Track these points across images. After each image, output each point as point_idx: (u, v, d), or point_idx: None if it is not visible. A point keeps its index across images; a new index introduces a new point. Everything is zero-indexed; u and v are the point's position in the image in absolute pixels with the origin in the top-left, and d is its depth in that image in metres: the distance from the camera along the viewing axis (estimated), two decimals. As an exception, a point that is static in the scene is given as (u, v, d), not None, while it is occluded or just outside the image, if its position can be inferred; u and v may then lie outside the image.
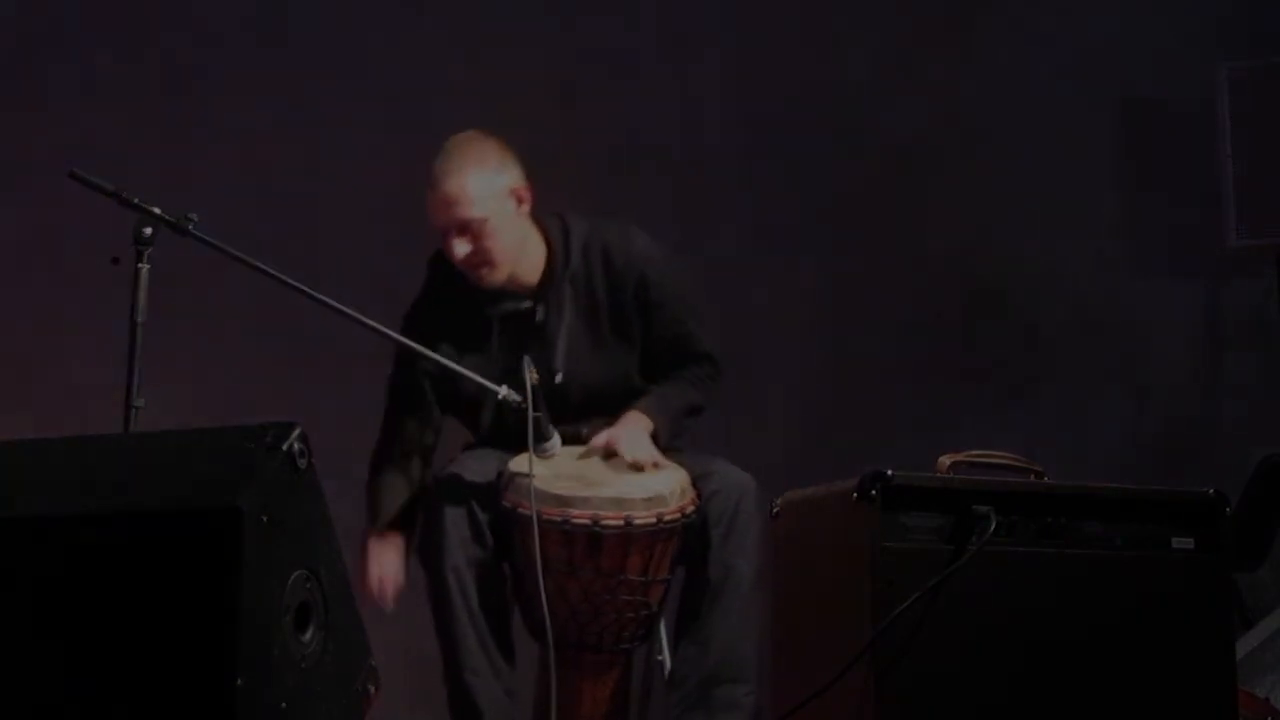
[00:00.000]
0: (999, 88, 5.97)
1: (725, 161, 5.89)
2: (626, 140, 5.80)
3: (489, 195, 4.07)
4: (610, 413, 4.17)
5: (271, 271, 3.86)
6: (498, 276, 4.12)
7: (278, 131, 5.80)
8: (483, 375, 4.05)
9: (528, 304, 4.17)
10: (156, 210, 3.82)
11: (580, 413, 4.15)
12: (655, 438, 4.13)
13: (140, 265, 3.80)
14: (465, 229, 4.07)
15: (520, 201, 4.13)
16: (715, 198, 5.84)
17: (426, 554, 4.01)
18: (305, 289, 3.87)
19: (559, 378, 4.11)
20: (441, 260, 4.18)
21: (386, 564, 4.13)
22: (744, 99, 5.94)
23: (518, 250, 4.14)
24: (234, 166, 5.71)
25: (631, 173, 5.74)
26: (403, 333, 4.15)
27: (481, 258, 4.09)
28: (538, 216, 4.20)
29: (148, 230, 3.80)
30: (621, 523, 3.94)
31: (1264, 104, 5.64)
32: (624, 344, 4.21)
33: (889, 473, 3.51)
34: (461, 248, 4.07)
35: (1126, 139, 5.98)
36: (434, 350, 4.06)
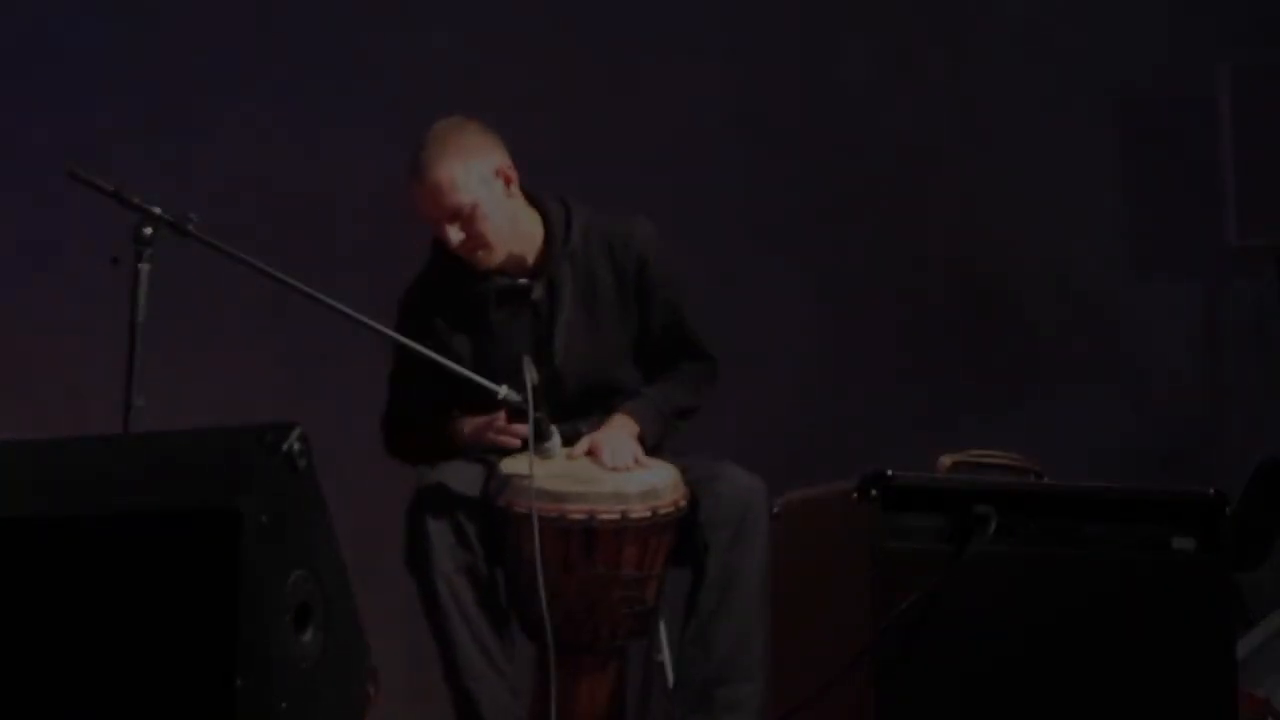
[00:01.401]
0: (999, 87, 5.97)
1: (725, 161, 5.89)
2: (626, 140, 5.79)
3: (476, 179, 4.06)
4: (603, 399, 4.16)
5: (271, 271, 3.86)
6: (495, 258, 4.11)
7: (278, 131, 5.80)
8: (478, 353, 4.09)
9: (524, 281, 4.16)
10: (156, 210, 3.81)
11: (575, 398, 4.14)
12: (642, 440, 4.13)
13: (140, 265, 3.80)
14: (456, 216, 4.06)
15: (508, 181, 4.12)
16: (715, 197, 5.84)
17: (414, 565, 4.00)
18: (305, 289, 3.86)
19: (558, 359, 4.11)
20: (442, 245, 4.17)
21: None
22: (744, 98, 5.94)
23: (511, 230, 4.13)
24: (234, 166, 5.71)
25: (631, 172, 5.73)
26: (399, 312, 4.17)
27: (476, 242, 4.08)
28: (536, 197, 4.19)
29: (148, 230, 3.80)
30: (617, 516, 3.94)
31: (1264, 103, 5.64)
32: (621, 329, 4.20)
33: (889, 473, 3.52)
34: (455, 234, 4.07)
35: (1126, 139, 5.98)
36: (430, 328, 4.10)
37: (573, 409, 4.13)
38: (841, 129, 5.90)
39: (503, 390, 3.98)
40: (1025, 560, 3.57)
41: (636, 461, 4.05)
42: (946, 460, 3.73)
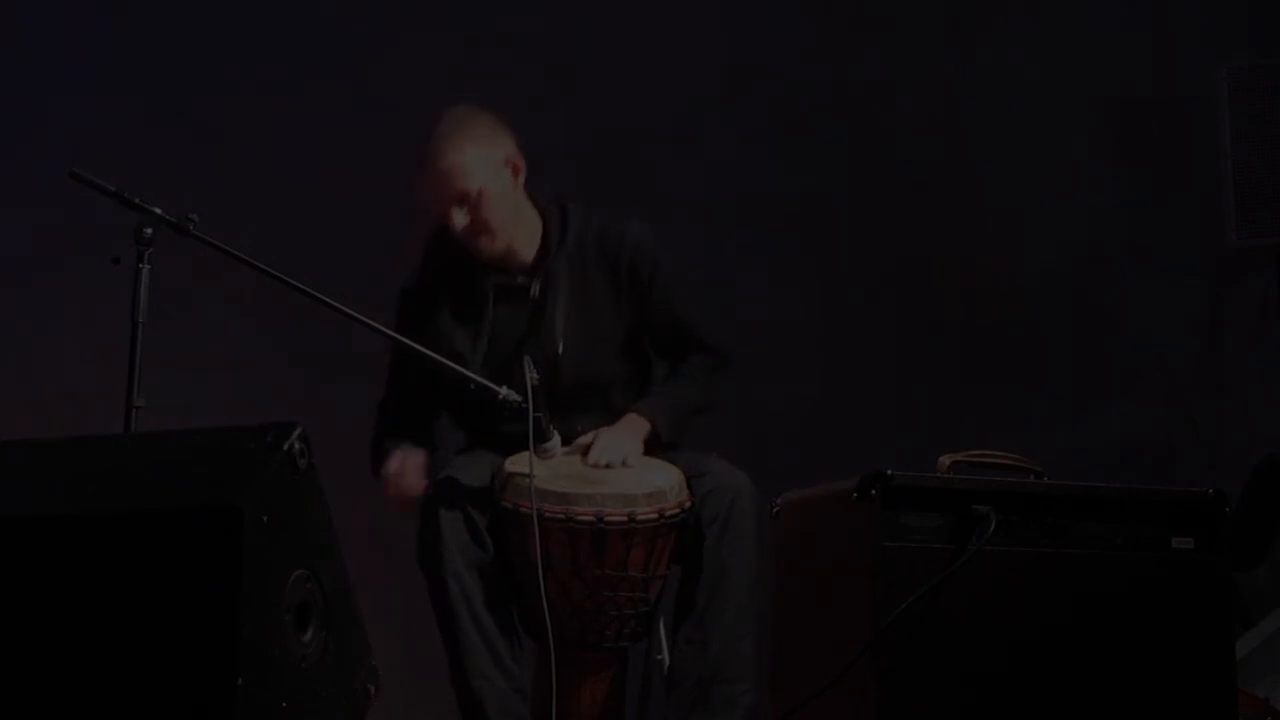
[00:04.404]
0: (999, 88, 5.96)
1: (725, 162, 5.89)
2: (627, 140, 5.80)
3: (484, 166, 4.13)
4: (598, 394, 4.19)
5: (272, 271, 3.87)
6: (497, 246, 4.16)
7: (278, 130, 5.80)
8: (478, 347, 4.13)
9: (522, 279, 4.20)
10: (157, 210, 3.82)
11: (571, 393, 4.16)
12: (656, 437, 4.15)
13: (141, 265, 3.80)
14: (463, 200, 4.11)
15: (515, 172, 4.19)
16: (716, 198, 5.84)
17: (426, 560, 4.01)
18: (305, 289, 3.87)
19: (559, 348, 4.14)
20: (439, 239, 4.23)
21: (409, 458, 4.13)
22: (744, 99, 5.94)
23: (514, 221, 4.19)
24: (234, 166, 5.71)
25: (632, 173, 5.73)
26: (399, 308, 4.23)
27: (480, 227, 4.13)
28: (535, 197, 4.25)
29: (148, 230, 3.81)
30: (625, 518, 3.95)
31: (1264, 104, 5.64)
32: (614, 326, 4.25)
33: (889, 473, 3.51)
34: (460, 219, 4.12)
35: (1126, 139, 5.98)
36: (431, 323, 4.15)
37: (569, 405, 4.15)
38: (841, 129, 5.90)
39: (503, 390, 3.98)
40: (1025, 560, 3.56)
41: (625, 463, 4.05)
42: (946, 460, 3.73)
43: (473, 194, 4.10)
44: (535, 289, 4.19)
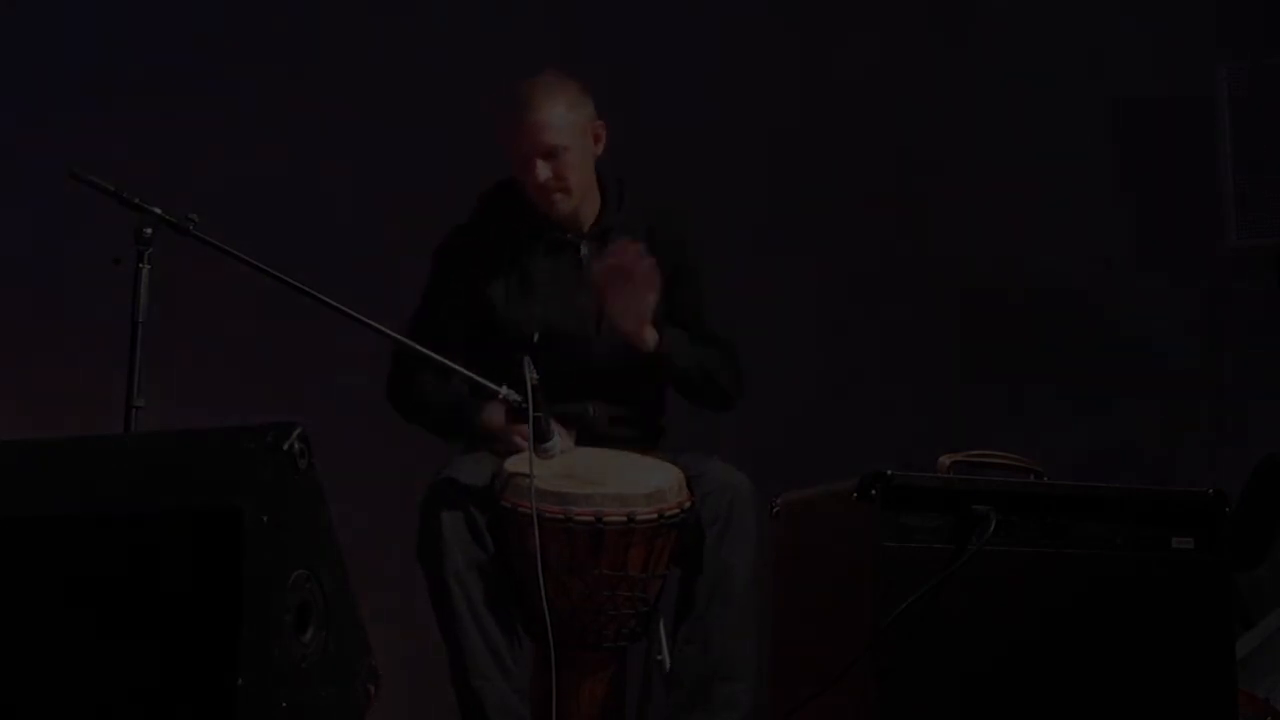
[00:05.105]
0: (999, 88, 5.96)
1: (725, 162, 5.89)
2: (626, 141, 5.79)
3: (574, 127, 4.30)
4: (617, 375, 4.23)
5: (272, 271, 3.87)
6: (568, 205, 4.31)
7: (277, 132, 5.80)
8: (511, 300, 4.25)
9: (572, 236, 4.33)
10: (157, 210, 3.82)
11: (600, 366, 4.22)
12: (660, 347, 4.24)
13: (140, 265, 3.81)
14: (551, 154, 4.26)
15: (596, 140, 4.37)
16: (715, 199, 5.84)
17: (426, 559, 4.02)
18: (305, 289, 3.87)
19: (602, 322, 4.24)
20: (497, 192, 4.36)
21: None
22: (743, 100, 5.94)
23: (586, 186, 4.35)
24: (234, 166, 5.71)
25: (630, 173, 5.73)
26: (435, 256, 4.35)
27: (560, 183, 4.28)
28: (600, 171, 4.40)
29: (148, 230, 3.81)
30: (624, 519, 3.95)
31: (1263, 104, 5.63)
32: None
33: (889, 473, 3.52)
34: (544, 171, 4.26)
35: (1126, 139, 5.98)
36: (465, 273, 4.27)
37: (591, 379, 4.17)
38: (841, 129, 5.90)
39: (503, 390, 3.99)
40: (1025, 560, 3.57)
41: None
42: (946, 460, 3.73)
43: (560, 150, 4.26)
44: (584, 249, 4.31)
